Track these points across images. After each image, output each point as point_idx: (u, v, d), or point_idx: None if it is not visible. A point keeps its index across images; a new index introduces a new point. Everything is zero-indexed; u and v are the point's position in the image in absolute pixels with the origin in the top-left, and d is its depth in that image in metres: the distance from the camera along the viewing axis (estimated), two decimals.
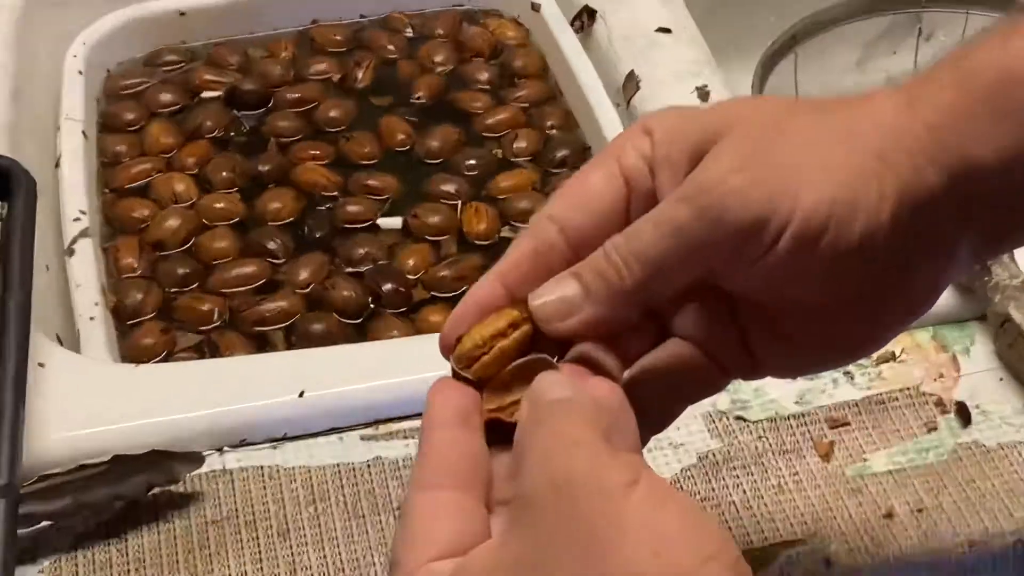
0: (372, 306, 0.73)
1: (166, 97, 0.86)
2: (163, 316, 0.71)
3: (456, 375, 0.39)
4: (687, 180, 0.38)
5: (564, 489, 0.33)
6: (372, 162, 0.83)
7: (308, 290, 0.73)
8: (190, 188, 0.79)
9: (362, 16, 0.93)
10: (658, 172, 0.39)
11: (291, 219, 0.78)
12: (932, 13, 0.95)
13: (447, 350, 0.40)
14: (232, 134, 0.85)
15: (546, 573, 0.33)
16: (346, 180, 0.80)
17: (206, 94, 0.86)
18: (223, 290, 0.74)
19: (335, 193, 0.80)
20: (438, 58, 0.90)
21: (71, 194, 0.73)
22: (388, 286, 0.73)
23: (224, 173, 0.80)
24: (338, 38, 0.91)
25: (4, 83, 0.74)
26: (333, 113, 0.85)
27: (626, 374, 0.40)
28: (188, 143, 0.83)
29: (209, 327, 0.71)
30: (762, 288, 0.39)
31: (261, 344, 0.70)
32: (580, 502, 0.33)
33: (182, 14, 0.89)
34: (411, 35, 0.92)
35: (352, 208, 0.78)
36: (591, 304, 0.38)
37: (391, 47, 0.91)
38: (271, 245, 0.76)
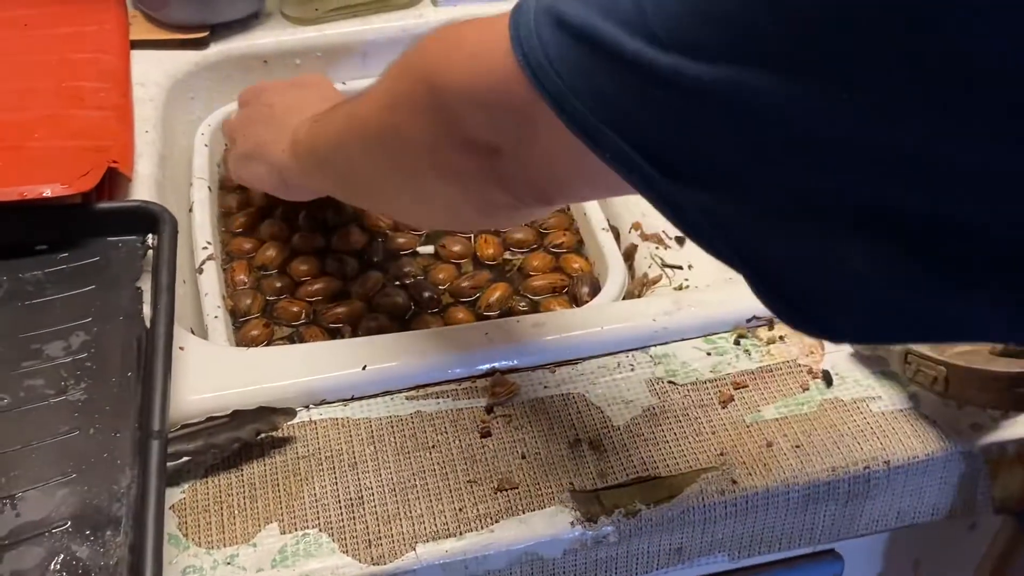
0: (413, 307, 0.70)
1: None
2: (265, 315, 0.69)
3: None
4: None
5: None
6: None
7: (369, 297, 0.71)
8: (283, 229, 0.76)
9: None
10: None
11: (359, 248, 0.75)
12: None
13: None
14: None
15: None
16: (395, 222, 0.77)
17: None
18: (308, 298, 0.71)
19: (388, 231, 0.77)
20: None
21: (200, 230, 0.70)
22: (425, 294, 0.71)
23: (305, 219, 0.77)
24: None
25: (154, 152, 0.71)
26: None
27: None
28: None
29: (298, 323, 0.69)
30: None
31: (334, 335, 0.68)
32: None
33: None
34: None
35: (400, 240, 0.75)
36: None
37: None
38: (345, 267, 0.73)
